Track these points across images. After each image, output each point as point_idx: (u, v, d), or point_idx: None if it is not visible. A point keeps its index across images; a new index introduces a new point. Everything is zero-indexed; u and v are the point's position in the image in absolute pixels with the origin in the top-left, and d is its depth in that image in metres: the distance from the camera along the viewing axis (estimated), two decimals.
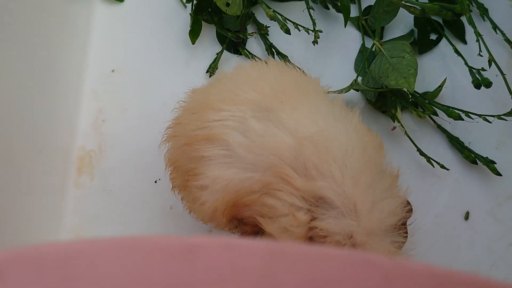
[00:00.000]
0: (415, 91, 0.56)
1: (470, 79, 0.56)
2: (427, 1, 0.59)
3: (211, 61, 0.61)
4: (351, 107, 0.46)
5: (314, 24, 0.58)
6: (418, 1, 0.55)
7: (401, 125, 0.56)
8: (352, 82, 0.57)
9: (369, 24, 0.60)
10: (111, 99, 0.61)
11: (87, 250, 0.24)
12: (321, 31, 0.59)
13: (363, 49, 0.60)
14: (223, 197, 0.42)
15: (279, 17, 0.58)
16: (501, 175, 0.55)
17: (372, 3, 0.60)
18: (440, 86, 0.57)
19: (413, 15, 0.59)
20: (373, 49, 0.58)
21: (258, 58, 0.60)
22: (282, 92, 0.44)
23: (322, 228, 0.40)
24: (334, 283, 0.25)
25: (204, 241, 0.25)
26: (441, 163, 0.55)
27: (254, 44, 0.62)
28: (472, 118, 0.54)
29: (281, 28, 0.58)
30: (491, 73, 0.55)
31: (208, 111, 0.44)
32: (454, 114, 0.55)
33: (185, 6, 0.64)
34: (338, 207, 0.40)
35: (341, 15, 0.60)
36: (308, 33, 0.59)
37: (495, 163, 0.55)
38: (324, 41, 0.61)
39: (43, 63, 0.55)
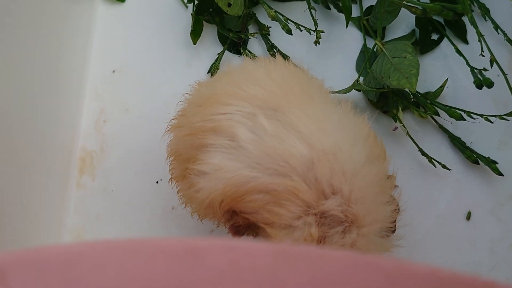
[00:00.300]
0: (416, 91, 0.56)
1: (472, 79, 0.55)
2: (429, 1, 0.59)
3: (213, 62, 0.61)
4: (359, 111, 0.46)
5: (315, 24, 0.58)
6: (419, 1, 0.55)
7: (403, 125, 0.56)
8: (353, 82, 0.57)
9: (371, 24, 0.60)
10: (113, 99, 0.61)
11: (90, 252, 0.24)
12: (322, 31, 0.58)
13: (364, 49, 0.60)
14: (223, 188, 0.42)
15: (281, 17, 0.58)
16: (502, 175, 0.55)
17: (374, 3, 0.60)
18: (442, 86, 0.57)
19: (414, 15, 0.59)
20: (375, 49, 0.58)
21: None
22: (290, 92, 0.44)
23: (328, 244, 0.41)
24: (337, 284, 0.25)
25: (206, 243, 0.25)
26: (442, 163, 0.55)
27: (255, 45, 0.62)
28: (474, 118, 0.54)
29: (282, 29, 0.58)
30: (492, 73, 0.55)
31: (214, 104, 0.44)
32: (455, 114, 0.55)
33: (186, 6, 0.64)
34: (342, 222, 0.41)
35: (342, 15, 0.60)
36: (310, 34, 0.59)
37: (497, 163, 0.55)
38: (325, 41, 0.61)
39: (44, 63, 0.55)
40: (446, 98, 0.58)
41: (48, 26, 0.56)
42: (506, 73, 0.53)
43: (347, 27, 0.60)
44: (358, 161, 0.42)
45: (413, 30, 0.61)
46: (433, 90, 0.58)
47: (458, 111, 0.55)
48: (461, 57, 0.58)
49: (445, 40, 0.60)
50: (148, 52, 0.62)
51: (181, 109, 0.48)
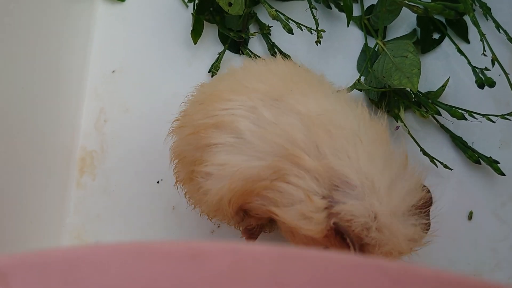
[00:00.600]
0: (418, 91, 0.56)
1: (473, 78, 0.55)
2: (430, 0, 0.59)
3: (213, 61, 0.61)
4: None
5: (317, 23, 0.58)
6: (421, 0, 0.55)
7: (404, 124, 0.55)
8: (355, 82, 0.56)
9: (372, 24, 0.60)
10: (113, 99, 0.60)
11: (92, 255, 0.24)
12: (324, 31, 0.58)
13: (366, 48, 0.59)
14: (229, 185, 0.41)
15: (282, 16, 0.58)
16: (504, 174, 0.55)
17: (375, 2, 0.60)
18: (443, 86, 0.57)
19: (416, 14, 0.58)
20: (376, 49, 0.57)
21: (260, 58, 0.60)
22: (291, 82, 0.44)
23: (346, 212, 0.39)
24: (340, 287, 0.25)
25: (209, 246, 0.25)
26: (444, 163, 0.55)
27: (256, 44, 0.62)
28: (476, 118, 0.54)
29: (283, 28, 0.58)
30: (494, 73, 0.55)
31: (216, 101, 0.44)
32: (457, 113, 0.55)
33: (187, 6, 0.63)
34: (356, 186, 0.39)
35: (343, 15, 0.60)
36: (311, 33, 0.59)
37: (499, 163, 0.55)
38: (326, 41, 0.61)
39: (44, 63, 0.55)
40: (447, 97, 0.58)
41: (48, 26, 0.56)
42: (507, 72, 0.53)
43: (348, 26, 0.59)
44: (358, 122, 0.42)
45: (415, 30, 0.61)
46: (435, 90, 0.58)
47: (460, 111, 0.55)
48: (463, 57, 0.57)
49: (447, 39, 0.60)
50: (148, 52, 0.62)
51: (183, 110, 0.48)
